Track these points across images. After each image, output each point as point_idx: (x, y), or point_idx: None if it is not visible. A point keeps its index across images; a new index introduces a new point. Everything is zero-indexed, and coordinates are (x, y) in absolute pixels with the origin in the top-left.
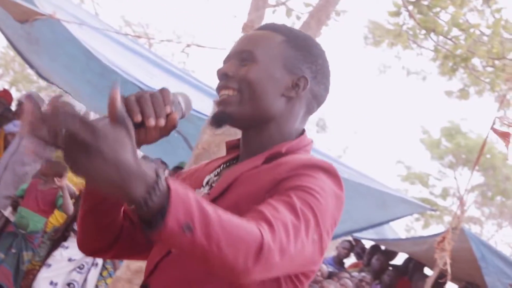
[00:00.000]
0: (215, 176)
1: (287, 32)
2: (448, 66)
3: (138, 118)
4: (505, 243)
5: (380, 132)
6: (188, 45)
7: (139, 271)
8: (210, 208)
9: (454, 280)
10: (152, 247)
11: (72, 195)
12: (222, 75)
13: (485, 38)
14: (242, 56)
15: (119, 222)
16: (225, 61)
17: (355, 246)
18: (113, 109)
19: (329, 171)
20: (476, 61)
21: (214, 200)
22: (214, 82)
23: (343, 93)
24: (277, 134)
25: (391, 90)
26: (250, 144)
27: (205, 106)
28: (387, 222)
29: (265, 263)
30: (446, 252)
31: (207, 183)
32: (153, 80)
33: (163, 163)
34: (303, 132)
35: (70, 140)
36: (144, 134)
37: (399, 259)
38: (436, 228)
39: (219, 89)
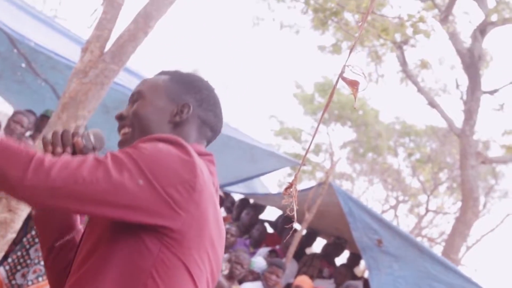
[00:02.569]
0: None
1: (172, 72)
2: (319, 19)
3: (49, 149)
4: (376, 199)
5: (253, 86)
6: None
7: (3, 222)
8: None
9: (323, 235)
10: None
11: None
12: (119, 117)
13: None
14: (133, 98)
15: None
16: None
17: (224, 200)
18: None
19: (170, 141)
20: (349, 16)
21: None
22: (84, 30)
23: (215, 46)
24: None
25: (265, 44)
26: None
27: (72, 53)
28: (257, 176)
29: (37, 170)
30: (293, 199)
31: None
32: (23, 27)
33: (32, 112)
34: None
35: None
36: None
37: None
38: (308, 184)
39: (118, 130)
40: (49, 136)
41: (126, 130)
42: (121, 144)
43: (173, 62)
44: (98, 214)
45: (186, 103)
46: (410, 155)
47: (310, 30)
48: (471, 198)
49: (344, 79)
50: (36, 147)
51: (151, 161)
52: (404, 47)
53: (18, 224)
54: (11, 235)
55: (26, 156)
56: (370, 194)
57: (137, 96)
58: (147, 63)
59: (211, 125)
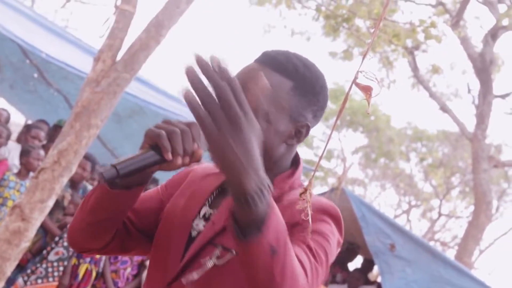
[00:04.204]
0: (209, 207)
1: (294, 74)
2: (331, 26)
3: (169, 156)
4: (388, 204)
5: None
6: (68, 0)
7: (17, 231)
8: (288, 239)
9: None
10: (140, 249)
11: None
12: None
13: None
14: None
15: (115, 227)
16: None
17: None
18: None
19: (337, 219)
20: (360, 22)
21: (218, 235)
22: (96, 39)
23: (228, 54)
24: (276, 170)
25: None
26: None
27: (84, 63)
28: None
29: None
30: (308, 203)
31: (204, 216)
32: (34, 38)
33: (45, 122)
34: (297, 158)
35: (223, 105)
36: (167, 165)
37: None
38: (320, 190)
39: None
40: (162, 132)
41: None
42: None
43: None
44: None
45: (306, 124)
46: (422, 160)
47: (321, 36)
48: (484, 202)
49: (357, 85)
50: (48, 157)
51: (332, 255)
52: (416, 52)
53: (31, 233)
54: (25, 244)
55: (303, 282)
56: (383, 199)
57: (260, 114)
58: (159, 71)
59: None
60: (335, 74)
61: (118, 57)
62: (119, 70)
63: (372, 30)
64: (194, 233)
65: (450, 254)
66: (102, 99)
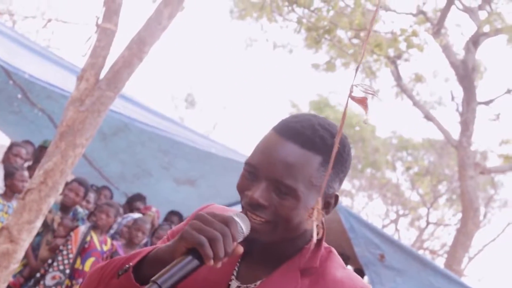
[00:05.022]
0: (236, 278)
1: (323, 148)
2: (312, 38)
3: (211, 263)
4: (376, 214)
5: (249, 106)
6: (49, 20)
7: (5, 253)
8: None
9: None
10: None
11: None
12: (255, 204)
13: (349, 9)
14: (281, 188)
15: None
16: (253, 176)
17: None
18: None
19: None
20: (342, 33)
21: None
22: (78, 59)
23: (211, 69)
24: (302, 242)
25: (259, 64)
26: (271, 250)
27: (68, 83)
28: None
29: None
30: (317, 221)
31: None
32: (16, 59)
33: (30, 143)
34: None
35: None
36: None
37: None
38: None
39: (248, 212)
40: (203, 240)
41: (263, 220)
42: (255, 233)
43: (169, 86)
44: None
45: (334, 195)
46: (408, 168)
47: (303, 48)
48: (471, 209)
49: (353, 97)
50: (34, 178)
51: None
52: (398, 61)
53: (20, 254)
54: (14, 266)
55: None
56: (370, 209)
57: (288, 191)
58: (143, 88)
59: None
60: (318, 86)
61: (101, 76)
62: (103, 89)
63: (353, 41)
64: None
65: (440, 262)
66: (86, 118)
